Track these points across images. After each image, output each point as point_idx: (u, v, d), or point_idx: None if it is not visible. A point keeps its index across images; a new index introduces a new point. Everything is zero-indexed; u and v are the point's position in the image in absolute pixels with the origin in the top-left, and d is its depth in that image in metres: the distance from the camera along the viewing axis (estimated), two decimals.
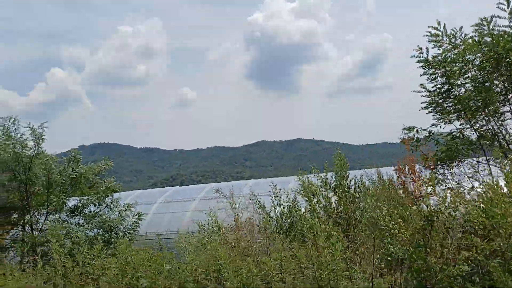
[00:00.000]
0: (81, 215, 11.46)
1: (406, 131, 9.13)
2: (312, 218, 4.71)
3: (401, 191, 5.86)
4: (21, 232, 11.05)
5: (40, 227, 11.02)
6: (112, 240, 11.37)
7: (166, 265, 4.36)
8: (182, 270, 4.19)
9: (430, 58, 7.82)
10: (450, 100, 8.13)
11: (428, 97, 8.55)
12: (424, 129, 8.87)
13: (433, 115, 8.32)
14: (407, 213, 4.33)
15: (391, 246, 4.37)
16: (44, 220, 11.10)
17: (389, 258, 4.51)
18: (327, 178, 6.23)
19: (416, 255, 4.14)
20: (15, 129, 11.08)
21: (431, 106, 8.43)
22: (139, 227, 11.87)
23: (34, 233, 10.90)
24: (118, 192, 12.21)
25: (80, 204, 11.58)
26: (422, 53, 7.82)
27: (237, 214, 7.06)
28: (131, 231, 11.73)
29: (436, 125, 8.36)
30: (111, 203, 11.84)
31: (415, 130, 8.97)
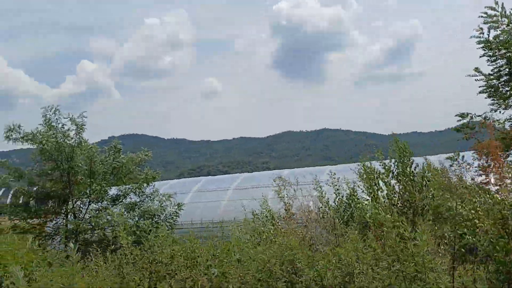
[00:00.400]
0: (122, 204, 11.51)
1: (459, 118, 8.67)
2: (375, 207, 4.44)
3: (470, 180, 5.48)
4: (64, 220, 11.19)
5: (82, 215, 11.12)
6: (153, 228, 11.41)
7: (235, 254, 4.18)
8: (253, 260, 3.99)
9: (491, 39, 7.33)
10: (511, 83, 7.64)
11: (484, 81, 8.08)
12: (479, 115, 8.40)
13: (492, 100, 7.83)
14: (488, 201, 4.00)
15: (469, 237, 4.06)
16: (87, 208, 11.21)
17: (463, 250, 4.21)
18: (390, 166, 5.89)
19: (501, 246, 3.81)
20: (56, 119, 11.16)
21: (489, 91, 7.95)
22: (178, 216, 11.84)
23: (77, 221, 11.01)
24: (157, 179, 12.21)
25: (121, 193, 11.63)
26: (483, 33, 7.33)
27: (287, 203, 6.83)
28: (171, 221, 11.72)
29: (495, 110, 7.87)
30: (152, 193, 11.85)
31: (469, 116, 8.50)
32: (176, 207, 11.84)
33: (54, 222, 11.01)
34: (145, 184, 11.58)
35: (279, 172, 21.15)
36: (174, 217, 11.80)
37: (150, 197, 11.77)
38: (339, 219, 5.42)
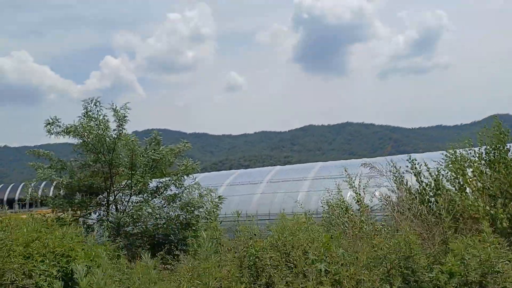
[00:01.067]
0: (162, 196, 11.39)
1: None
2: (467, 197, 4.06)
3: None
4: (106, 212, 11.14)
5: (124, 208, 11.05)
6: (193, 222, 11.26)
7: (338, 249, 3.84)
8: (356, 257, 3.65)
9: None
10: None
11: None
12: None
13: None
14: None
15: None
16: (128, 201, 11.13)
17: None
18: (481, 153, 5.48)
19: None
20: (97, 110, 11.08)
21: None
22: (219, 209, 11.64)
23: (119, 214, 10.94)
24: (198, 170, 12.04)
25: (161, 185, 11.50)
26: None
27: (359, 194, 6.47)
28: (212, 214, 11.54)
29: None
30: (192, 185, 11.67)
31: None
32: (217, 199, 11.65)
33: (97, 214, 10.97)
34: (185, 176, 11.41)
35: (312, 165, 20.82)
36: (215, 210, 11.62)
37: (189, 189, 11.60)
38: (426, 210, 5.00)
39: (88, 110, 11.06)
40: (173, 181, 11.38)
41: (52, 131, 11.19)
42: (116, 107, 11.02)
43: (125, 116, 10.95)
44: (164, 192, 11.51)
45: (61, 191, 11.90)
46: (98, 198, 11.45)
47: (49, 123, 10.95)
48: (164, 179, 11.69)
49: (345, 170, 7.23)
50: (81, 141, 11.16)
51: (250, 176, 19.75)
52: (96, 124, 10.74)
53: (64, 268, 4.74)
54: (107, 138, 10.80)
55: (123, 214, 11.00)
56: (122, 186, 11.21)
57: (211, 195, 11.69)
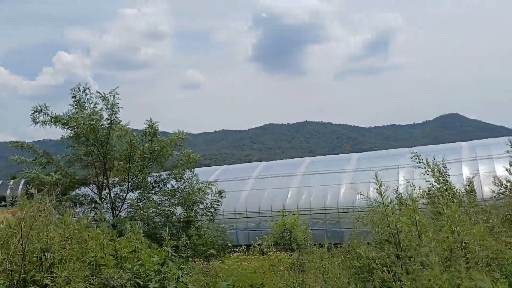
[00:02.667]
0: (162, 191, 10.62)
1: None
2: None
3: None
4: (98, 210, 10.24)
5: (120, 204, 10.21)
6: (193, 219, 10.61)
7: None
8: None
9: None
10: None
11: None
12: None
13: None
14: None
15: None
16: (125, 197, 10.29)
17: None
18: None
19: None
20: (87, 99, 10.16)
21: None
22: (220, 205, 11.04)
23: (114, 212, 10.10)
24: (201, 163, 11.38)
25: (159, 179, 10.73)
26: None
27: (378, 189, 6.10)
28: (212, 210, 10.93)
29: None
30: (191, 178, 10.98)
31: None
32: (218, 194, 11.04)
33: (93, 213, 10.00)
34: (186, 170, 10.71)
35: (300, 160, 20.53)
36: (216, 205, 11.03)
37: (189, 182, 10.91)
38: None
39: (78, 98, 10.12)
40: (173, 175, 10.64)
41: (37, 120, 10.17)
42: (104, 94, 10.12)
43: (117, 103, 10.04)
44: (164, 187, 10.77)
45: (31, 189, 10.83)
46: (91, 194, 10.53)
47: (36, 111, 9.92)
48: (163, 173, 10.93)
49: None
50: (69, 132, 10.23)
51: (234, 173, 19.15)
52: (90, 114, 9.83)
53: (136, 274, 4.02)
54: (100, 129, 9.92)
55: (119, 212, 10.19)
56: (118, 181, 10.34)
57: (211, 188, 11.07)
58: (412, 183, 6.98)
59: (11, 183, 10.49)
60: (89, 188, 10.82)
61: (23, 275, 3.61)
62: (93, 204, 10.36)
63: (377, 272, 3.28)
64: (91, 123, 9.72)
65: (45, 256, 3.75)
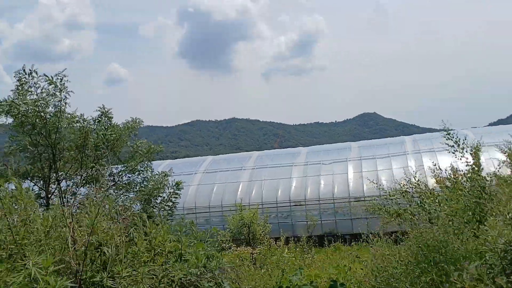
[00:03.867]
0: (116, 185, 9.84)
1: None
2: None
3: None
4: (46, 207, 9.23)
5: (72, 199, 9.26)
6: (152, 214, 9.98)
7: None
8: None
9: None
10: None
11: None
12: None
13: None
14: None
15: None
16: (75, 192, 9.35)
17: None
18: None
19: None
20: (34, 83, 9.08)
21: None
22: (179, 197, 10.51)
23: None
24: (161, 152, 10.72)
25: (115, 172, 9.93)
26: None
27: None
28: (170, 204, 10.36)
29: None
30: (144, 169, 10.31)
31: None
32: (175, 186, 10.49)
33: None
34: (146, 160, 10.03)
35: (247, 154, 20.35)
36: (173, 199, 10.47)
37: (144, 173, 10.24)
38: None
39: (23, 82, 9.02)
40: (132, 167, 9.89)
41: None
42: (52, 77, 9.11)
43: (65, 87, 9.05)
44: (119, 181, 9.99)
45: None
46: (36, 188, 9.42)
47: None
48: (118, 166, 10.13)
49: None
50: (10, 121, 9.10)
51: (183, 167, 18.49)
52: (35, 100, 8.78)
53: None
54: (48, 116, 8.93)
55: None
56: (69, 174, 9.38)
57: (167, 180, 10.49)
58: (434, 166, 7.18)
59: None
60: (33, 182, 9.72)
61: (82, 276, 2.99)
62: (40, 200, 9.31)
63: None
64: (37, 110, 8.72)
65: (101, 251, 3.17)
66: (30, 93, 8.99)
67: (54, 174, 9.22)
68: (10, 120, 8.97)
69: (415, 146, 15.39)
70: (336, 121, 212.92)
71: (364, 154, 14.97)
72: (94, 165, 9.20)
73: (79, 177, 9.27)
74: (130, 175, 10.04)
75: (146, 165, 10.29)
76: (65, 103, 9.07)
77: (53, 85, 8.98)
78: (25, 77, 8.98)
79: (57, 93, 8.99)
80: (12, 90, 9.03)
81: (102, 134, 9.31)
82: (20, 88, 8.97)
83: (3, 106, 8.50)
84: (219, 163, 18.32)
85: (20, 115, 8.63)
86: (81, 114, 9.31)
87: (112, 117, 9.87)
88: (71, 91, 9.06)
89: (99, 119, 9.76)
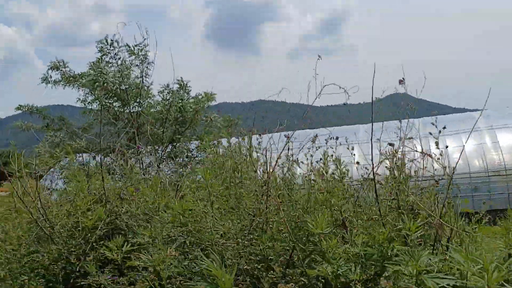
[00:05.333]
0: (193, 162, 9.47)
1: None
2: None
3: None
4: None
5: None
6: None
7: None
8: None
9: None
10: None
11: None
12: None
13: None
14: None
15: None
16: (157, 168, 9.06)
17: None
18: None
19: None
20: (115, 53, 8.75)
21: None
22: None
23: None
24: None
25: (192, 148, 9.55)
26: None
27: None
28: None
29: None
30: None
31: None
32: None
33: None
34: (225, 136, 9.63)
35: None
36: None
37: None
38: None
39: (104, 52, 8.70)
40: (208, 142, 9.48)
41: (49, 80, 8.70)
42: (132, 46, 8.73)
43: (147, 57, 8.69)
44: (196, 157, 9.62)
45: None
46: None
47: (53, 67, 8.44)
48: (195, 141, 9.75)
49: None
50: (87, 93, 8.82)
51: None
52: (120, 70, 8.45)
53: None
54: (130, 88, 8.60)
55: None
56: (147, 150, 9.08)
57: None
58: None
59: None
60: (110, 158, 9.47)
61: None
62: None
63: None
64: (120, 81, 8.40)
65: None
66: (110, 64, 8.68)
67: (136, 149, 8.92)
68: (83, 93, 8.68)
69: None
70: (364, 101, 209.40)
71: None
72: (174, 140, 8.87)
73: (157, 153, 8.94)
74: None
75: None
76: (146, 74, 8.74)
77: (134, 56, 8.64)
78: (106, 47, 8.66)
79: (139, 64, 8.66)
80: (92, 62, 8.74)
81: (181, 106, 8.93)
82: (101, 59, 8.67)
83: (90, 76, 8.21)
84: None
85: (105, 86, 8.33)
86: (166, 84, 8.94)
87: (191, 90, 9.49)
88: (152, 62, 8.71)
89: (183, 87, 9.40)
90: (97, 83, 8.08)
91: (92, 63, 8.65)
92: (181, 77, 9.45)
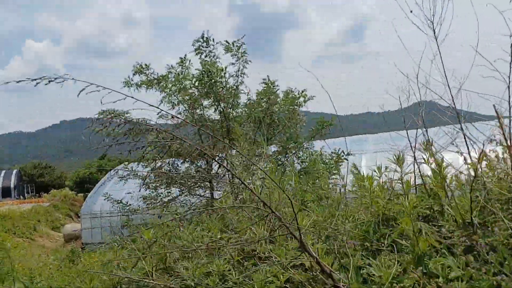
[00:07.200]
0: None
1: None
2: None
3: None
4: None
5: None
6: None
7: None
8: None
9: None
10: None
11: None
12: None
13: None
14: None
15: None
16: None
17: None
18: None
19: None
20: (209, 51, 8.37)
21: None
22: None
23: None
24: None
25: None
26: None
27: None
28: None
29: None
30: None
31: None
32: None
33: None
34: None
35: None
36: None
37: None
38: None
39: (200, 51, 8.34)
40: (300, 144, 8.97)
41: (130, 83, 8.40)
42: (229, 44, 8.34)
43: (244, 55, 8.27)
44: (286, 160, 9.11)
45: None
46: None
47: (137, 71, 8.19)
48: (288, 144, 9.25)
49: None
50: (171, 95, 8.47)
51: None
52: (218, 69, 8.07)
53: None
54: (227, 87, 8.22)
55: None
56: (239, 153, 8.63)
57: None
58: None
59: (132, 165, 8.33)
60: (196, 163, 9.07)
61: None
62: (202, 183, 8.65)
63: None
64: (216, 79, 8.01)
65: None
66: (208, 64, 8.32)
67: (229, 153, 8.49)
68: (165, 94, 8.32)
69: None
70: (389, 110, 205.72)
71: None
72: (268, 143, 8.40)
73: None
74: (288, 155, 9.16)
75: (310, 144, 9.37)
76: (243, 73, 8.34)
77: (230, 53, 8.27)
78: (202, 46, 8.31)
79: (235, 62, 8.28)
80: (180, 58, 8.40)
81: (278, 108, 8.48)
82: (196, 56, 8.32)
83: (188, 77, 7.87)
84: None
85: (199, 83, 7.97)
86: (270, 80, 8.48)
87: (278, 89, 9.02)
88: (250, 61, 8.30)
89: (267, 91, 8.93)
90: (201, 82, 7.72)
91: (201, 62, 8.28)
92: (268, 76, 9.01)
